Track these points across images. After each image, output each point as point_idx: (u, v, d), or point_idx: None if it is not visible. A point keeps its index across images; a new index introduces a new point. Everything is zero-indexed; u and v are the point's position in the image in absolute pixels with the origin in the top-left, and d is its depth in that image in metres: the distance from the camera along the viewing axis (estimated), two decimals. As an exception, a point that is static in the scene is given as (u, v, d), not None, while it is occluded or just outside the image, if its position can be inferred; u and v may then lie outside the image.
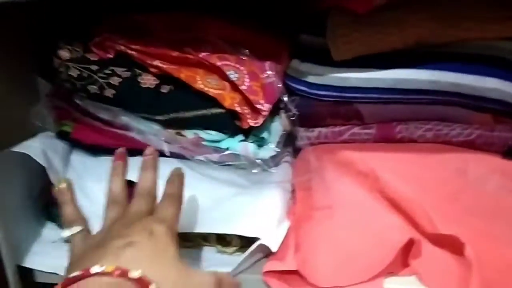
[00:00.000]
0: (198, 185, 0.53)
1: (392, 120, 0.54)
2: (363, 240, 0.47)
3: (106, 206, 0.42)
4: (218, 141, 0.53)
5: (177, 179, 0.44)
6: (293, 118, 0.54)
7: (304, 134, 0.58)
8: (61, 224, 0.54)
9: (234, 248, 0.50)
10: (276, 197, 0.49)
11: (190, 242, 0.51)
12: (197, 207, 0.51)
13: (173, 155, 0.55)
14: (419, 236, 0.46)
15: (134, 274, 0.29)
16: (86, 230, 0.40)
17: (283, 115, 0.55)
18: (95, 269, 0.29)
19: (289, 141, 0.60)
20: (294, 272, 0.44)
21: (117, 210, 0.40)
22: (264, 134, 0.54)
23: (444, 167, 0.50)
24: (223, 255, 0.50)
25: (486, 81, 0.49)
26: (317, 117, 0.57)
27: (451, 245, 0.44)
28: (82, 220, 0.41)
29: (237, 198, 0.51)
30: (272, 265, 0.44)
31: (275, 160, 0.55)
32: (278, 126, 0.55)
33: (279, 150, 0.54)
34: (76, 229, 0.39)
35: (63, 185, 0.44)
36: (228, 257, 0.49)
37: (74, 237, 0.39)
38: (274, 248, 0.43)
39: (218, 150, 0.53)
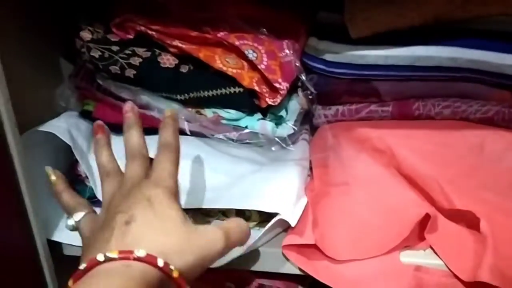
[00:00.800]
0: (218, 163, 0.54)
1: (409, 97, 0.55)
2: (379, 215, 0.48)
3: (100, 181, 0.41)
4: (237, 120, 0.54)
5: (170, 123, 0.42)
6: (311, 97, 0.54)
7: (321, 112, 0.58)
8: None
9: (254, 223, 0.51)
10: (294, 174, 0.50)
11: (211, 217, 0.53)
12: (218, 183, 0.52)
13: (193, 133, 0.56)
14: (435, 211, 0.46)
15: (139, 253, 0.29)
16: (90, 213, 0.40)
17: (300, 93, 0.56)
18: (99, 257, 0.29)
19: (307, 119, 0.61)
20: (312, 246, 0.45)
21: (112, 182, 0.39)
22: (282, 113, 0.55)
23: (461, 144, 0.51)
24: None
25: (506, 58, 0.49)
26: (334, 95, 0.57)
27: (467, 220, 0.45)
28: (82, 205, 0.41)
29: (256, 175, 0.52)
30: (291, 239, 0.46)
31: (293, 138, 0.56)
32: (296, 105, 0.56)
33: (296, 128, 0.55)
34: (79, 215, 0.39)
35: (53, 177, 0.43)
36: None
37: (80, 223, 0.39)
38: (293, 223, 0.45)
39: (237, 128, 0.54)
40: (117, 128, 0.59)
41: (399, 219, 0.46)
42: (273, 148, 0.54)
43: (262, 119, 0.54)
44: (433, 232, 0.45)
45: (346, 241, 0.47)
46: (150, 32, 0.52)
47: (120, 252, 0.29)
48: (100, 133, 0.45)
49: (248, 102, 0.53)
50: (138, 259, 0.29)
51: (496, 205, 0.45)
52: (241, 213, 0.52)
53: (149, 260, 0.29)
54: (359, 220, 0.49)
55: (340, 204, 0.51)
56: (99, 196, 0.53)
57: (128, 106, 0.44)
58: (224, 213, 0.53)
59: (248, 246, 0.45)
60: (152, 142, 0.55)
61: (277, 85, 0.51)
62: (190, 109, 0.55)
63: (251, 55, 0.51)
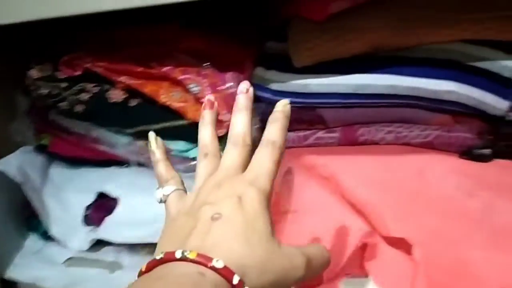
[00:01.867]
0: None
1: (354, 124, 0.56)
2: (323, 243, 0.49)
3: (198, 160, 0.38)
4: (186, 151, 0.55)
5: (280, 118, 0.38)
6: (256, 126, 0.55)
7: (272, 139, 0.59)
8: (41, 234, 0.57)
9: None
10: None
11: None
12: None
13: (145, 165, 0.57)
14: (375, 238, 0.47)
15: (217, 264, 0.26)
16: (179, 190, 0.37)
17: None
18: (178, 254, 0.27)
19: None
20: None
21: (208, 165, 0.36)
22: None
23: (403, 168, 0.52)
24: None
25: (442, 84, 0.50)
26: (283, 123, 0.58)
27: (404, 247, 0.45)
28: (175, 180, 0.38)
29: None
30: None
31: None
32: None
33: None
34: (169, 189, 0.36)
35: (153, 145, 0.40)
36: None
37: (168, 198, 0.36)
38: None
39: (185, 159, 0.55)
40: (73, 162, 0.61)
41: (340, 247, 0.47)
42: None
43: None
44: (372, 260, 0.46)
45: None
46: (96, 69, 0.53)
47: (199, 255, 0.27)
48: (208, 108, 0.40)
49: (194, 134, 0.53)
50: (215, 269, 0.26)
51: (433, 231, 0.46)
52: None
53: (225, 274, 0.26)
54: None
55: (288, 232, 0.52)
56: (54, 232, 0.54)
57: (244, 87, 0.39)
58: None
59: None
60: (109, 175, 0.57)
61: (220, 117, 0.52)
62: (140, 141, 0.56)
63: (194, 88, 0.52)
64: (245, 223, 0.29)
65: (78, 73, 0.55)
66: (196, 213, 0.30)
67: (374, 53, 0.52)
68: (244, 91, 0.39)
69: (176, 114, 0.53)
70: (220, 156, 0.36)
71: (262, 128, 0.57)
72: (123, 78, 0.53)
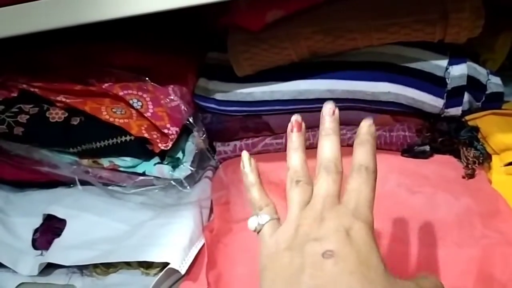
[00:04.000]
0: (117, 211, 0.54)
1: (299, 129, 0.56)
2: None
3: (288, 187, 0.35)
4: (134, 167, 0.55)
5: (367, 139, 0.34)
6: (202, 137, 0.55)
7: (221, 149, 0.60)
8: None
9: (157, 269, 0.51)
10: (189, 217, 0.51)
11: (114, 268, 0.53)
12: (117, 233, 0.52)
13: (92, 183, 0.56)
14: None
15: None
16: (274, 220, 0.34)
17: (196, 134, 0.57)
18: None
19: (208, 159, 0.62)
20: (207, 291, 0.46)
21: (302, 193, 0.33)
22: (179, 155, 0.56)
23: (346, 169, 0.53)
24: (148, 277, 0.52)
25: (378, 86, 0.51)
26: (230, 132, 0.58)
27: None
28: (270, 207, 0.36)
29: (154, 221, 0.52)
30: (184, 286, 0.46)
31: (194, 178, 0.57)
32: (192, 146, 0.57)
33: (194, 169, 0.55)
34: (264, 218, 0.34)
35: (247, 168, 0.37)
36: (152, 278, 0.51)
37: (263, 227, 0.34)
38: (182, 271, 0.45)
39: (134, 175, 0.54)
40: (17, 185, 0.59)
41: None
42: (172, 191, 0.55)
43: (159, 163, 0.55)
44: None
45: (243, 280, 0.48)
46: (33, 89, 0.52)
47: None
48: (297, 131, 0.37)
49: (140, 149, 0.53)
50: None
51: (378, 230, 0.47)
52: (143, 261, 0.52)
53: None
54: (257, 256, 0.50)
55: (241, 240, 0.52)
56: (2, 259, 0.53)
57: (329, 109, 0.36)
58: (126, 262, 0.53)
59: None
60: (53, 196, 0.56)
61: (166, 130, 0.52)
62: (86, 160, 0.55)
63: (136, 104, 0.51)
64: (358, 259, 0.27)
65: (14, 94, 0.53)
66: (301, 249, 0.29)
67: (312, 59, 0.53)
68: (330, 114, 0.36)
69: (120, 130, 0.52)
70: (311, 184, 0.34)
71: (209, 139, 0.58)
72: (61, 97, 0.52)
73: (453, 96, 0.50)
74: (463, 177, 0.50)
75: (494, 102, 0.52)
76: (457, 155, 0.52)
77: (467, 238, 0.45)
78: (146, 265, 0.52)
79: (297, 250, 0.29)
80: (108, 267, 0.52)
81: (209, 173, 0.60)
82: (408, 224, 0.48)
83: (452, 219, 0.47)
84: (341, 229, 0.28)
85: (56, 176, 0.56)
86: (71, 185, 0.57)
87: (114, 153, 0.54)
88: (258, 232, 0.34)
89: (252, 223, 0.34)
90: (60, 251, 0.51)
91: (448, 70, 0.50)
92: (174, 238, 0.48)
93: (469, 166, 0.50)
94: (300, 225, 0.30)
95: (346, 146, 0.55)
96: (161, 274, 0.45)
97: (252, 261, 0.49)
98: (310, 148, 0.56)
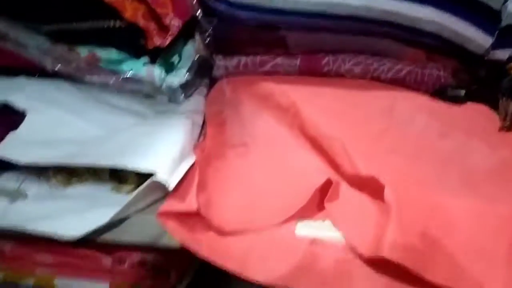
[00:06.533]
0: (90, 112, 0.45)
1: (319, 51, 0.49)
2: (277, 181, 0.42)
3: None
4: (118, 62, 0.45)
5: None
6: (207, 41, 0.46)
7: (221, 63, 0.51)
8: None
9: (131, 187, 0.43)
10: (180, 128, 0.43)
11: (79, 177, 0.43)
12: (88, 136, 0.43)
13: (63, 75, 0.46)
14: (338, 178, 0.41)
15: None
16: None
17: (197, 37, 0.48)
18: None
19: (206, 71, 0.53)
20: (196, 215, 0.38)
21: None
22: (174, 58, 0.47)
23: (370, 105, 0.46)
24: (118, 195, 0.43)
25: (420, 11, 0.44)
26: (236, 43, 0.50)
27: (371, 187, 0.40)
28: None
29: (136, 129, 0.44)
30: (169, 205, 0.38)
31: (186, 90, 0.48)
32: (191, 50, 0.48)
33: (190, 78, 0.47)
34: None
35: None
36: (123, 197, 0.42)
37: None
38: (170, 186, 0.37)
39: (117, 72, 0.45)
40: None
41: (298, 186, 0.41)
42: (161, 100, 0.46)
43: (149, 63, 0.45)
44: (333, 201, 0.40)
45: (237, 209, 0.40)
46: None
47: None
48: None
49: (131, 40, 0.44)
50: None
51: (403, 171, 0.41)
52: (117, 174, 0.43)
53: None
54: (255, 185, 0.43)
55: (235, 167, 0.45)
56: None
57: None
58: (95, 173, 0.43)
59: (116, 213, 0.37)
60: (13, 84, 0.46)
61: (167, 20, 0.42)
62: (60, 45, 0.45)
63: (135, -20, 0.41)
64: None
65: None
66: None
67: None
68: None
69: (109, 10, 0.42)
70: None
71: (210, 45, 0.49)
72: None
73: (504, 36, 0.44)
74: (500, 130, 0.44)
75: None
76: (495, 106, 0.46)
77: (501, 193, 0.39)
78: (119, 180, 0.43)
79: None
80: (71, 175, 0.43)
81: (203, 89, 0.51)
82: (435, 170, 0.42)
83: (485, 170, 0.41)
84: None
85: (21, 60, 0.45)
86: (37, 75, 0.47)
87: (97, 40, 0.44)
88: None
89: None
90: (16, 146, 0.41)
91: (506, 4, 0.43)
92: (162, 148, 0.40)
93: (508, 118, 0.45)
94: None
95: (370, 78, 0.48)
96: (144, 185, 0.37)
97: (245, 192, 0.42)
98: (329, 75, 0.50)
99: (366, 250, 0.36)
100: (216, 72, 0.51)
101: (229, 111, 0.48)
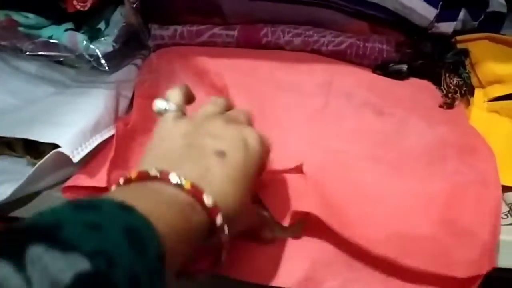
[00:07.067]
0: (4, 80, 0.41)
1: (257, 21, 0.46)
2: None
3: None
4: (38, 28, 0.42)
5: None
6: (135, 5, 0.43)
7: (157, 32, 0.48)
8: None
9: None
10: (100, 99, 0.39)
11: (-6, 150, 0.40)
12: (2, 106, 0.40)
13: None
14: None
15: (207, 201, 0.26)
16: (180, 112, 0.32)
17: (126, 1, 0.44)
18: (173, 178, 0.26)
19: (142, 42, 0.50)
20: (106, 191, 0.35)
21: (217, 106, 0.33)
22: (101, 25, 0.44)
23: (308, 81, 0.43)
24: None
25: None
26: (172, 12, 0.47)
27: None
28: (183, 105, 0.33)
29: (53, 98, 0.40)
30: (76, 179, 0.35)
31: (115, 60, 0.45)
32: (119, 16, 0.44)
33: (117, 46, 0.43)
34: (173, 107, 0.32)
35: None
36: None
37: (167, 113, 0.32)
38: (75, 159, 0.34)
39: (33, 37, 0.41)
40: None
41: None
42: (83, 68, 0.43)
43: (71, 29, 0.42)
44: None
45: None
46: None
47: (193, 187, 0.26)
48: None
49: (49, 5, 0.40)
50: (203, 205, 0.26)
51: (334, 151, 0.39)
52: (32, 147, 0.40)
53: (213, 211, 0.26)
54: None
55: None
56: None
57: None
58: (9, 145, 0.40)
59: (16, 188, 0.34)
60: None
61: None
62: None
63: None
64: (243, 168, 0.29)
65: None
66: (196, 141, 0.29)
67: None
68: None
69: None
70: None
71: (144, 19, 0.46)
72: None
73: (448, 7, 0.42)
74: (441, 107, 0.42)
75: (493, 24, 0.43)
76: (437, 82, 0.43)
77: (437, 172, 0.37)
78: (35, 153, 0.40)
79: (190, 139, 0.29)
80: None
81: (138, 61, 0.48)
82: (371, 148, 0.39)
83: (422, 148, 0.39)
84: (240, 137, 0.30)
85: None
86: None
87: (15, 3, 0.41)
88: (160, 115, 0.32)
89: (160, 104, 0.32)
90: None
91: (449, -26, 0.40)
92: (73, 118, 0.37)
93: (449, 95, 0.42)
94: (205, 121, 0.31)
95: (311, 51, 0.45)
96: (45, 157, 0.34)
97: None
98: (268, 48, 0.47)
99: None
100: (153, 42, 0.48)
101: (161, 83, 0.45)
